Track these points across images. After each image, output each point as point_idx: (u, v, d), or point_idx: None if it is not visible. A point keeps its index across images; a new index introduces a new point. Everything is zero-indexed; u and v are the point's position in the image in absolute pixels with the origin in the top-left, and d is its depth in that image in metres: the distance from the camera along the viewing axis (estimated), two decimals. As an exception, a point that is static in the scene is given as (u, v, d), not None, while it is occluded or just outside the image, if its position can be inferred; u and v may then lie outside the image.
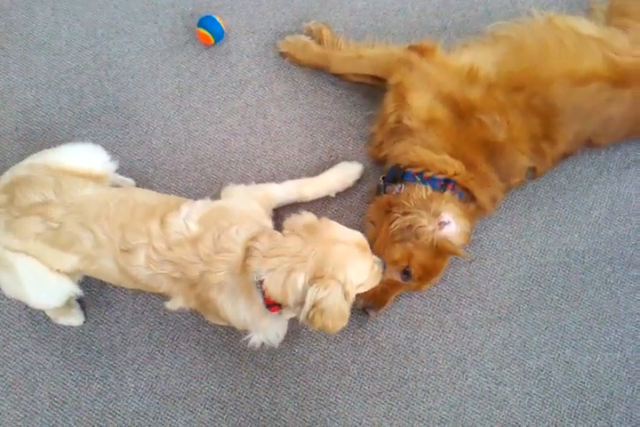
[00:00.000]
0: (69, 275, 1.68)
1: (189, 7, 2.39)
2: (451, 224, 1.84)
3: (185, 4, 2.40)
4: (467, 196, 1.92)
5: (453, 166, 1.88)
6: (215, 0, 2.42)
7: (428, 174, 1.89)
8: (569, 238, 2.18)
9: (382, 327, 2.04)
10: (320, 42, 2.29)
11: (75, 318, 1.96)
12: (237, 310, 1.59)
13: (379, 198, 1.99)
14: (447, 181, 1.89)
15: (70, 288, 1.70)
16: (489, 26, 2.22)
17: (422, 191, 1.87)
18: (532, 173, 2.06)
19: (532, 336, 2.06)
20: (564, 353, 2.05)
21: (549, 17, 2.11)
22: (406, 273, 1.87)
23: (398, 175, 1.95)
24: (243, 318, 1.61)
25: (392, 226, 1.86)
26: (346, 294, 1.50)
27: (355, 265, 1.53)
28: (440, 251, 1.85)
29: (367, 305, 1.92)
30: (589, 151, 2.24)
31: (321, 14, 2.41)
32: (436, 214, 1.83)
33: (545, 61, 1.96)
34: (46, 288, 1.67)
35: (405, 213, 1.85)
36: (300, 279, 1.47)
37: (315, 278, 1.47)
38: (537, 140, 1.95)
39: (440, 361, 2.02)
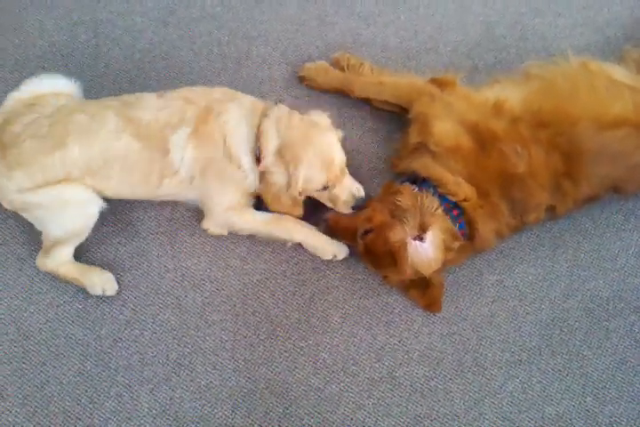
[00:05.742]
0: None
1: (226, 37, 2.64)
2: (423, 246, 1.96)
3: (222, 33, 2.65)
4: (467, 229, 2.04)
5: (465, 191, 2.00)
6: (252, 30, 2.66)
7: (441, 190, 2.01)
8: (593, 284, 2.28)
9: (400, 364, 2.13)
10: (343, 69, 2.48)
11: (109, 283, 2.14)
12: None
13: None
14: (455, 206, 2.02)
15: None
16: (523, 64, 2.38)
17: (434, 204, 1.99)
18: (552, 211, 2.15)
19: (553, 382, 2.13)
20: (584, 401, 2.12)
21: (584, 61, 2.26)
22: (366, 233, 2.03)
23: (417, 181, 2.08)
24: None
25: (396, 199, 2.01)
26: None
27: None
28: (390, 250, 1.97)
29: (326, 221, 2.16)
30: (617, 197, 2.34)
31: (353, 49, 2.62)
32: (424, 229, 1.94)
33: (574, 101, 2.07)
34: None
35: (408, 202, 1.99)
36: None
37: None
38: (559, 178, 2.04)
39: (457, 401, 2.09)
